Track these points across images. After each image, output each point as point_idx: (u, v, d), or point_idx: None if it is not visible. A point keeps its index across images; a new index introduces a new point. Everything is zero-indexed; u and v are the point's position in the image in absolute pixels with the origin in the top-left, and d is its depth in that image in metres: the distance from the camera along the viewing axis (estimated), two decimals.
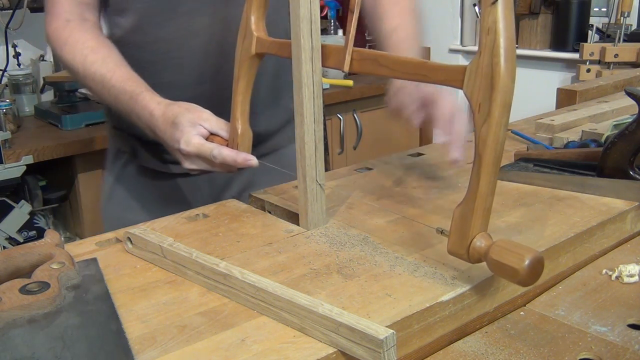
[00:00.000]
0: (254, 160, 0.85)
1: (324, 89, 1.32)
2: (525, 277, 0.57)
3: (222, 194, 1.12)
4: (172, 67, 1.03)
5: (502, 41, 0.57)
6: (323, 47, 0.76)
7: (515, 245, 0.59)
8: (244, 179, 1.13)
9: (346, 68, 0.73)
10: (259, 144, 0.95)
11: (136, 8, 0.99)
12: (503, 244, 0.60)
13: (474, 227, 0.61)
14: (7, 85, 2.20)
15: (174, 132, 0.87)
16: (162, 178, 1.11)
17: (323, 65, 0.77)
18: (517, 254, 0.58)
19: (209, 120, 0.88)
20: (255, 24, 0.83)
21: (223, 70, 1.00)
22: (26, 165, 1.79)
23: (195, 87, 1.03)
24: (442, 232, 0.67)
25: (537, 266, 0.58)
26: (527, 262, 0.57)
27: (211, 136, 0.88)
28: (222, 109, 0.90)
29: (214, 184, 1.13)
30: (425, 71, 0.66)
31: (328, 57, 0.76)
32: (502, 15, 0.57)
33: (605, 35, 2.62)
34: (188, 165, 0.88)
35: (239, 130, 0.87)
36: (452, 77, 0.63)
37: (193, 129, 0.86)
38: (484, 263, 0.66)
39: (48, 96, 2.28)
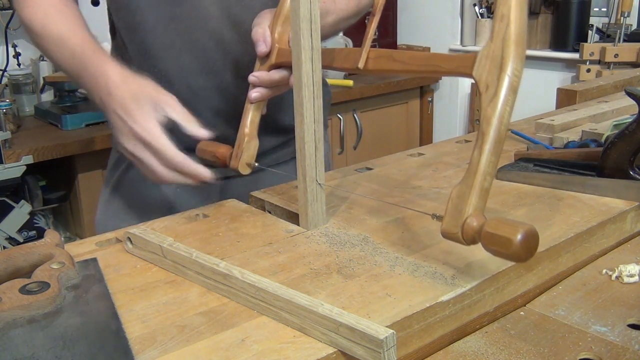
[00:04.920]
0: (207, 174, 0.81)
1: None
2: (519, 249, 0.56)
3: None
4: (186, 52, 0.98)
5: (513, 27, 0.61)
6: (339, 50, 0.78)
7: (510, 220, 0.59)
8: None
9: (361, 65, 0.74)
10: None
11: None
12: (498, 219, 0.59)
13: (471, 205, 0.61)
14: (7, 85, 2.21)
15: (133, 107, 0.81)
16: (165, 186, 1.05)
17: (339, 68, 0.78)
18: (511, 226, 0.57)
19: (174, 107, 0.82)
20: (278, 36, 0.84)
21: (239, 58, 0.97)
22: (26, 165, 1.79)
23: (208, 75, 0.99)
24: (437, 217, 0.66)
25: (532, 240, 0.57)
26: (521, 232, 0.56)
27: (214, 146, 0.87)
28: (237, 102, 0.87)
29: (226, 194, 1.05)
30: (437, 62, 0.68)
31: (344, 59, 0.77)
32: (517, 4, 0.60)
33: (605, 35, 2.62)
34: (130, 147, 0.82)
35: (246, 138, 0.87)
36: (463, 64, 0.65)
37: (154, 112, 0.81)
38: (483, 261, 0.66)
39: (48, 96, 2.28)
